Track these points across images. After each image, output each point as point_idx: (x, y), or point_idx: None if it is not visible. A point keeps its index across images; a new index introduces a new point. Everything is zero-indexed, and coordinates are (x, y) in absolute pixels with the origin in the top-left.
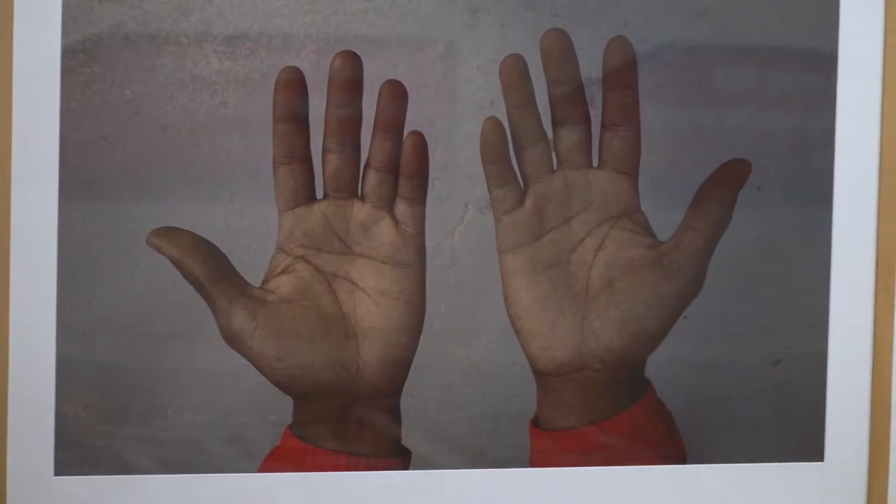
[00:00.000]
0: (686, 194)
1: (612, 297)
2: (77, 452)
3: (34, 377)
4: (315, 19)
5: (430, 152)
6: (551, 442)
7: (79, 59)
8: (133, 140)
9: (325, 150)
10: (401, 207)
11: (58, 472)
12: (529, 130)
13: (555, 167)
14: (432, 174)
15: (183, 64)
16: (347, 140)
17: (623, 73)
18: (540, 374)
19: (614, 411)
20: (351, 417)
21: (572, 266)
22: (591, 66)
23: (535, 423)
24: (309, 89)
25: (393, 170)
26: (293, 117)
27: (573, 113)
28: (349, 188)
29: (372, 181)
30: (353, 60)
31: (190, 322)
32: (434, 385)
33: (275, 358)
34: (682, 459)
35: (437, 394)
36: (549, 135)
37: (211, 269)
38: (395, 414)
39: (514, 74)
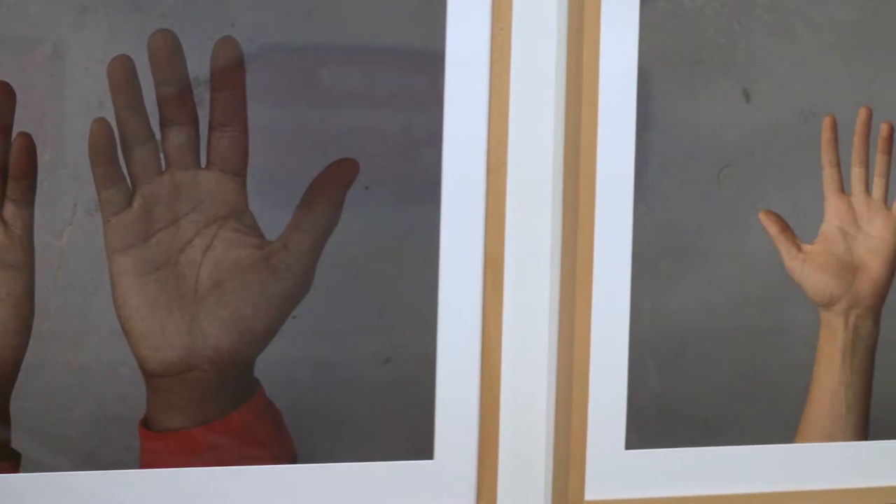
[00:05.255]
0: (295, 194)
1: (221, 298)
2: None
3: None
4: None
5: (38, 153)
6: (161, 443)
7: None
8: None
9: None
10: (9, 209)
11: None
12: (137, 131)
13: (163, 168)
14: (41, 175)
15: None
16: None
17: (230, 74)
18: (149, 375)
19: (224, 412)
20: None
21: (181, 266)
22: (199, 67)
23: (145, 424)
24: None
25: (0, 172)
26: None
27: (181, 113)
28: None
29: None
30: None
31: None
32: (43, 387)
33: None
34: (291, 459)
35: (46, 396)
36: (158, 135)
37: None
38: (3, 416)
39: (122, 75)
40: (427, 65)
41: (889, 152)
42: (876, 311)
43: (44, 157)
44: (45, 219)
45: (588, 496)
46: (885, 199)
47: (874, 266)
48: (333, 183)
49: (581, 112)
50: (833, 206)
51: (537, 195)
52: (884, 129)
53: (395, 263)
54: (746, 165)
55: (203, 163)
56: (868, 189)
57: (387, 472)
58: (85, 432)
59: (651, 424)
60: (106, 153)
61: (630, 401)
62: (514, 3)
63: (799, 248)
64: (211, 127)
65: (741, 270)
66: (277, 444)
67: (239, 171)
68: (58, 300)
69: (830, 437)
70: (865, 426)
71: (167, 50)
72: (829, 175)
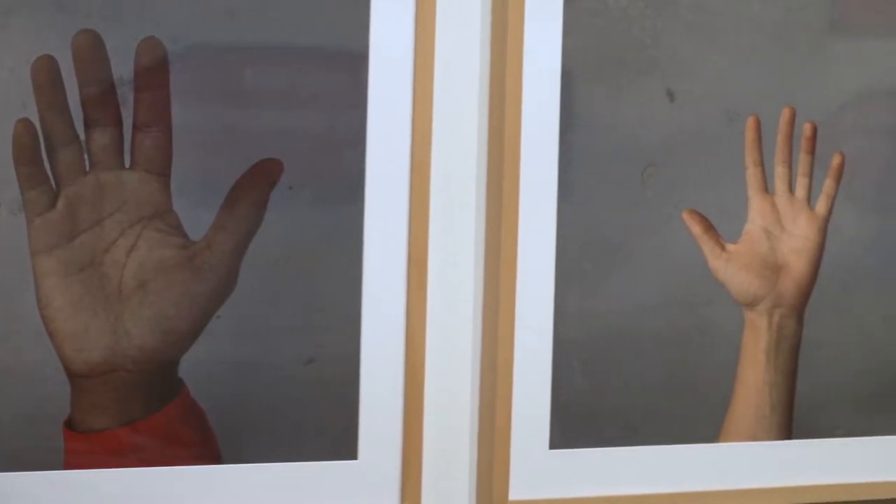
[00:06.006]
0: (219, 194)
1: (145, 298)
2: None
3: None
4: None
5: None
6: (85, 444)
7: None
8: None
9: None
10: None
11: None
12: (61, 132)
13: (87, 168)
14: None
15: None
16: None
17: (154, 74)
18: (74, 376)
19: (148, 412)
20: None
21: (105, 267)
22: (123, 67)
23: (70, 424)
24: None
25: None
26: None
27: (104, 114)
28: None
29: None
30: None
31: None
32: None
33: None
34: (216, 459)
35: None
36: (82, 136)
37: None
38: None
39: (45, 76)
40: (351, 64)
41: (812, 152)
42: (800, 310)
43: None
44: None
45: (512, 496)
46: (809, 199)
47: (798, 266)
48: (257, 183)
49: (505, 112)
50: (757, 206)
51: (461, 195)
52: (807, 129)
53: (318, 263)
54: (670, 165)
55: (127, 163)
56: (792, 189)
57: (311, 472)
58: (9, 433)
59: (575, 424)
60: (29, 154)
61: (554, 400)
62: (437, 2)
63: (723, 248)
64: (135, 127)
65: (665, 270)
66: (202, 445)
67: (163, 172)
68: None
69: (754, 437)
70: (789, 425)
71: (91, 50)
72: (752, 175)
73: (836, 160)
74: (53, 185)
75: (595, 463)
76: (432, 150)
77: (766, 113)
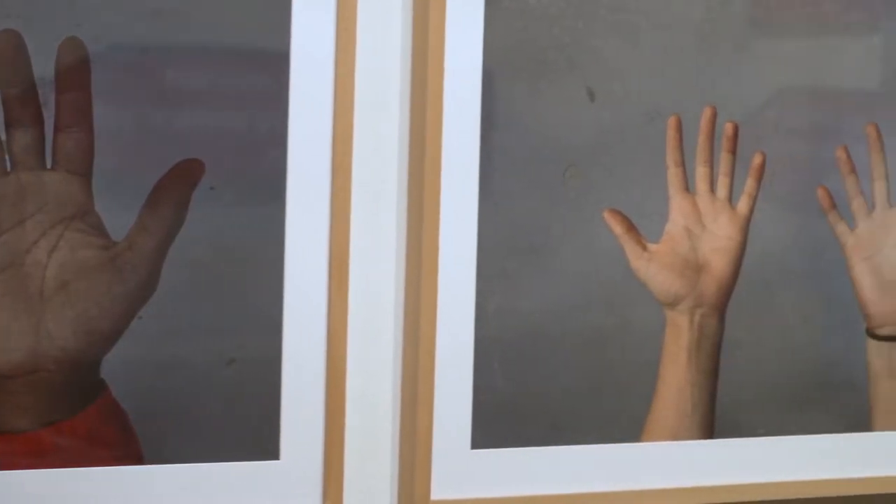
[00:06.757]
0: (141, 195)
1: (67, 299)
2: None
3: None
4: None
5: None
6: (6, 445)
7: None
8: None
9: None
10: None
11: None
12: None
13: (9, 169)
14: None
15: None
16: None
17: (75, 74)
18: None
19: (70, 413)
20: None
21: (27, 268)
22: (45, 67)
23: None
24: None
25: None
26: None
27: (25, 114)
28: None
29: None
30: None
31: None
32: None
33: None
34: (138, 460)
35: None
36: (3, 136)
37: None
38: None
39: None
40: (272, 65)
41: (733, 151)
42: (721, 310)
43: None
44: None
45: (434, 496)
46: (730, 198)
47: (719, 265)
48: (178, 183)
49: (426, 111)
50: (678, 206)
51: (382, 195)
52: (728, 128)
53: (240, 263)
54: (592, 165)
55: (49, 164)
56: (713, 188)
57: (233, 472)
58: None
59: (497, 424)
60: None
61: (476, 400)
62: (358, 2)
63: (644, 248)
64: (56, 128)
65: (587, 270)
66: (124, 446)
67: (84, 172)
68: None
69: (676, 436)
70: (711, 425)
71: (12, 50)
72: (673, 174)
73: (757, 159)
74: None
75: (517, 463)
76: (353, 150)
77: (687, 112)
